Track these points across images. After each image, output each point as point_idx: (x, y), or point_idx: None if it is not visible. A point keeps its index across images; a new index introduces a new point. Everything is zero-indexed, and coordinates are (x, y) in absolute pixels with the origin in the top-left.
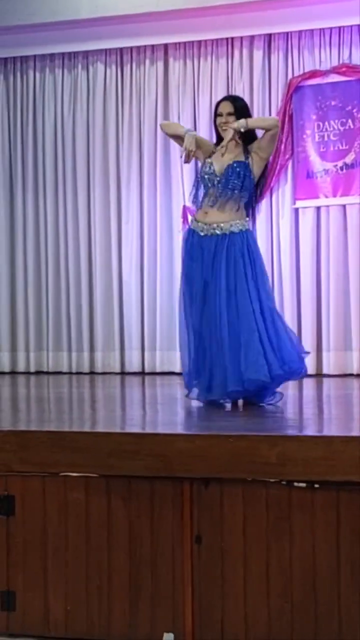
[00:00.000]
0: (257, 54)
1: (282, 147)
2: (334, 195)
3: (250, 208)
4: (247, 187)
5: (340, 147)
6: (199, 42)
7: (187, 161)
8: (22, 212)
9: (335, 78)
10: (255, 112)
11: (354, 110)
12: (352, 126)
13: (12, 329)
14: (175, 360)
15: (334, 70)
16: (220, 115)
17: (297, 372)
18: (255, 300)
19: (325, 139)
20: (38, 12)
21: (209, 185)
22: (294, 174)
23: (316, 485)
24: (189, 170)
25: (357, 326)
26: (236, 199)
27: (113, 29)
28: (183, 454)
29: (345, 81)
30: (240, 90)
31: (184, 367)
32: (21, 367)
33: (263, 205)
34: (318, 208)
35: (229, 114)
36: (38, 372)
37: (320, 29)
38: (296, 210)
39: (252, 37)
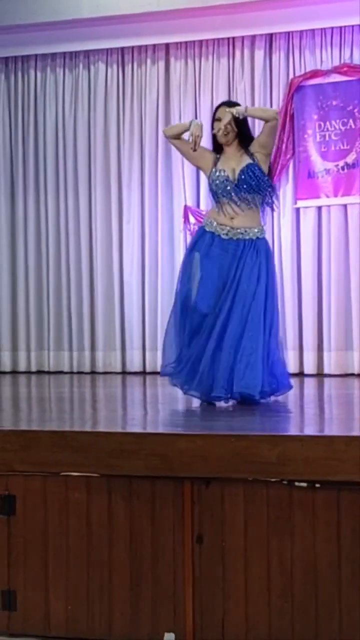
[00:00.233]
0: (259, 54)
1: (283, 146)
2: (335, 195)
3: (264, 210)
4: (263, 187)
5: (342, 147)
6: (200, 41)
7: (195, 149)
8: (23, 211)
9: (336, 78)
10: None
11: (355, 110)
12: (353, 126)
13: (13, 328)
14: None
15: (335, 70)
16: (219, 120)
17: (285, 388)
18: (269, 310)
19: (327, 138)
20: (39, 12)
21: (224, 192)
22: (295, 173)
23: (317, 485)
24: (190, 170)
25: (358, 326)
26: (255, 202)
27: (114, 28)
28: (184, 453)
29: (346, 81)
30: (242, 90)
31: (169, 353)
32: (22, 366)
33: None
34: (319, 208)
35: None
36: (39, 372)
37: (321, 29)
38: (297, 210)
39: (253, 37)
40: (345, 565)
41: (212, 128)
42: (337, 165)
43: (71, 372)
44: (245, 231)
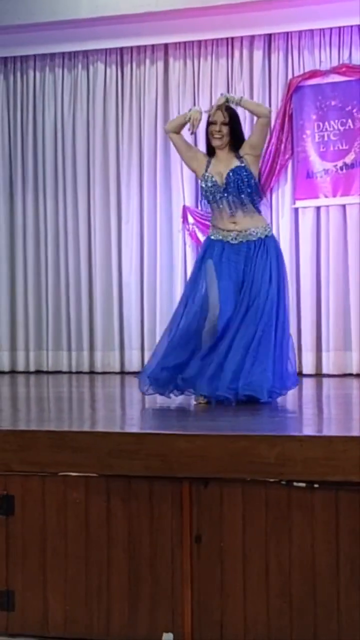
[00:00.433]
0: (257, 54)
1: (282, 147)
2: (334, 195)
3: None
4: (252, 188)
5: (340, 147)
6: (199, 42)
7: (193, 131)
8: (22, 211)
9: (335, 78)
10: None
11: (354, 111)
12: (352, 126)
13: (12, 328)
14: None
15: (334, 70)
16: (214, 123)
17: (291, 387)
18: (281, 309)
19: (325, 139)
20: (38, 12)
21: (214, 198)
22: (294, 173)
23: (315, 485)
24: (189, 170)
25: (357, 326)
26: (248, 202)
27: (113, 28)
28: (183, 453)
29: (345, 81)
30: (240, 90)
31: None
32: (21, 366)
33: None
34: (318, 208)
35: (223, 123)
36: (38, 372)
37: (320, 29)
38: (296, 210)
39: (252, 37)
40: (344, 566)
41: (207, 132)
42: (336, 165)
43: (70, 372)
44: (253, 232)
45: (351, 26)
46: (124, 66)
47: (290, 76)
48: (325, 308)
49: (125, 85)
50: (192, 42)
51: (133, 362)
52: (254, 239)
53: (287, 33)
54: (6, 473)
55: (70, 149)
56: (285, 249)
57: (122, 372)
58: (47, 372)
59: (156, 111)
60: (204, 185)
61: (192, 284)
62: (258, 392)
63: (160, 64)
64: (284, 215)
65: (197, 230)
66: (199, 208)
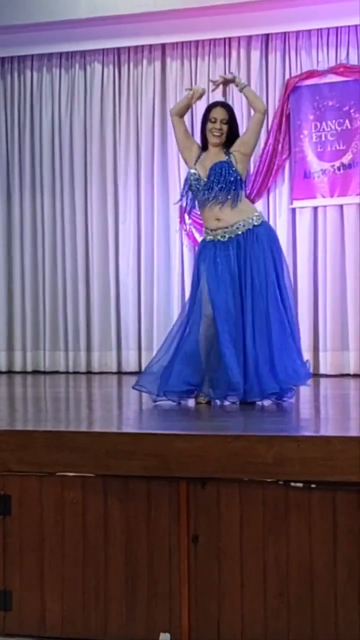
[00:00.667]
0: (255, 54)
1: (280, 147)
2: (331, 196)
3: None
4: (235, 183)
5: (338, 148)
6: (197, 42)
7: (193, 101)
8: (19, 211)
9: (332, 78)
10: (252, 112)
11: (352, 111)
12: (349, 126)
13: (9, 328)
14: None
15: (332, 70)
16: (214, 121)
17: (306, 377)
18: (285, 298)
19: (323, 139)
20: (36, 12)
21: (198, 191)
22: (291, 174)
23: (313, 486)
24: (186, 170)
25: (354, 326)
26: (233, 196)
27: (111, 28)
28: (180, 453)
29: (342, 81)
30: (237, 91)
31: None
32: (18, 366)
33: (260, 205)
34: (315, 208)
35: (223, 122)
36: (35, 372)
37: (317, 29)
38: (293, 211)
39: (249, 37)
40: (341, 566)
41: (203, 128)
42: (333, 165)
43: (67, 372)
44: (240, 225)
45: (348, 26)
46: (122, 66)
47: (287, 76)
48: (322, 308)
49: (122, 85)
50: (190, 42)
51: (130, 362)
52: (241, 232)
53: (285, 33)
54: (3, 473)
55: (68, 149)
56: (282, 249)
57: (119, 372)
58: (44, 372)
59: (153, 111)
60: (190, 179)
61: (193, 291)
62: (296, 379)
63: (158, 64)
64: (281, 215)
65: (194, 230)
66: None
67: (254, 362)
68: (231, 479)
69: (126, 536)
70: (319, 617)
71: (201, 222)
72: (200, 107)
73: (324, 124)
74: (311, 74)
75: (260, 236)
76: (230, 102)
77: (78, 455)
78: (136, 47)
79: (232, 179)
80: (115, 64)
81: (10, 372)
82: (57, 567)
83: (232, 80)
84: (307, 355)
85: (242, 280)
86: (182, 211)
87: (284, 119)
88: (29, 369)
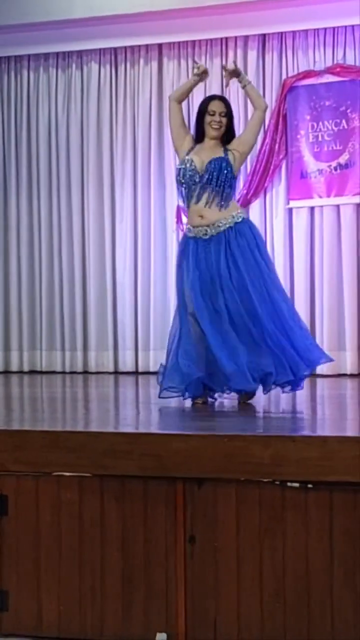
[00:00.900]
0: (252, 54)
1: (276, 147)
2: (328, 196)
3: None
4: (229, 182)
5: (334, 148)
6: (193, 42)
7: (199, 74)
8: (15, 211)
9: (329, 78)
10: (249, 112)
11: (348, 111)
12: (346, 126)
13: (6, 328)
14: None
15: (328, 70)
16: (213, 114)
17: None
18: (278, 284)
19: (319, 139)
20: (32, 12)
21: (191, 183)
22: (288, 174)
23: (309, 486)
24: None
25: (351, 326)
26: (223, 194)
27: (107, 28)
28: (177, 453)
29: (339, 81)
30: (234, 90)
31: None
32: (14, 366)
33: (257, 205)
34: (312, 208)
35: (222, 115)
36: (31, 372)
37: (314, 30)
38: (290, 211)
39: (246, 37)
40: (338, 566)
41: (198, 120)
42: (330, 165)
43: (64, 372)
44: (221, 222)
45: (345, 26)
46: (118, 66)
47: (284, 76)
48: (319, 308)
49: (119, 85)
50: (187, 42)
51: (127, 362)
52: (223, 229)
53: (281, 33)
54: (0, 473)
55: (64, 148)
56: (279, 249)
57: (116, 372)
58: (41, 372)
59: (150, 111)
60: (181, 168)
61: (178, 289)
62: (318, 359)
63: (155, 64)
64: (278, 215)
65: None
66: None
67: (281, 345)
68: (228, 479)
69: (123, 536)
70: (315, 616)
71: None
72: (197, 101)
73: (320, 124)
74: (308, 74)
75: (243, 231)
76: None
77: (75, 455)
78: (133, 47)
79: (228, 177)
80: (112, 63)
81: (6, 372)
82: (53, 567)
83: (237, 74)
84: None
85: (232, 274)
86: (179, 211)
87: (280, 119)
88: (26, 368)
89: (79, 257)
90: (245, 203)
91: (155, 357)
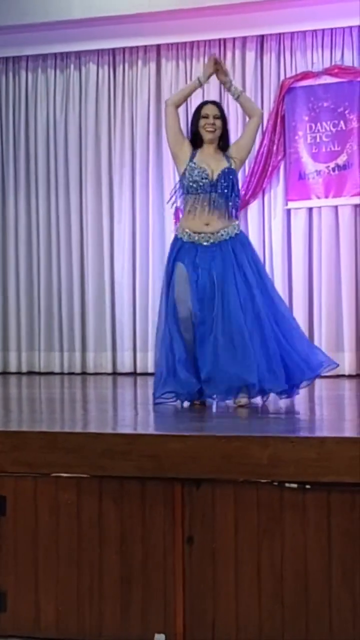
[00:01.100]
0: (250, 55)
1: (274, 148)
2: (326, 197)
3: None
4: (237, 193)
5: (333, 149)
6: (192, 42)
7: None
8: (14, 211)
9: (327, 79)
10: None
11: (346, 112)
12: (344, 127)
13: (4, 328)
14: None
15: (326, 71)
16: (206, 117)
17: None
18: (277, 297)
19: (318, 140)
20: (30, 12)
21: (200, 190)
22: (286, 175)
23: (307, 486)
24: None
25: (349, 327)
26: (229, 204)
27: (106, 29)
28: (175, 454)
29: (337, 82)
30: (233, 99)
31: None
32: (13, 367)
33: (255, 207)
34: (310, 209)
35: (216, 117)
36: (30, 373)
37: (312, 31)
38: (288, 211)
39: (244, 38)
40: (336, 567)
41: (193, 126)
42: (328, 166)
43: (62, 373)
44: (224, 232)
45: (343, 28)
46: (117, 67)
47: (282, 77)
48: (317, 309)
49: (117, 86)
50: (185, 43)
51: (125, 363)
52: (225, 238)
53: (280, 34)
54: None
55: (63, 149)
56: (277, 250)
57: (115, 373)
58: (39, 373)
59: (148, 112)
60: (191, 174)
61: (167, 292)
62: (318, 366)
63: (153, 65)
64: (276, 216)
65: None
66: (173, 200)
67: (283, 353)
68: (226, 480)
69: (121, 537)
70: (313, 617)
71: None
72: (195, 107)
73: (318, 125)
74: (306, 75)
75: (243, 242)
76: (224, 106)
77: (73, 456)
78: (131, 48)
79: (236, 189)
80: (110, 64)
81: (5, 373)
82: (51, 568)
83: (229, 85)
84: None
85: (238, 282)
86: (177, 212)
87: (278, 120)
88: (24, 369)
89: (77, 258)
90: (244, 204)
91: (154, 358)
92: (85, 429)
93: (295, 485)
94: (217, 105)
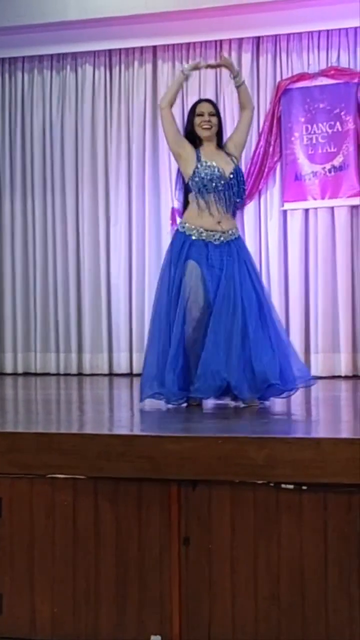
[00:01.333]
0: (246, 57)
1: (271, 149)
2: (322, 198)
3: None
4: (244, 194)
5: (329, 150)
6: (188, 44)
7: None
8: (10, 213)
9: (323, 81)
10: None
11: (342, 113)
12: (340, 129)
13: (0, 329)
14: None
15: (323, 73)
16: (202, 115)
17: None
18: (269, 301)
19: (314, 141)
20: (27, 14)
21: (215, 188)
22: (282, 176)
23: (304, 487)
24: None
25: (345, 328)
26: (237, 204)
27: (102, 30)
28: (171, 455)
29: (333, 84)
30: (229, 93)
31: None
32: (9, 368)
33: (251, 208)
34: (306, 210)
35: (211, 114)
36: (26, 374)
37: (308, 32)
38: (284, 213)
39: (240, 40)
40: (332, 568)
41: (188, 124)
42: (324, 167)
43: (58, 374)
44: (231, 232)
45: (339, 29)
46: (113, 68)
47: (278, 79)
48: (313, 310)
49: (113, 88)
50: (181, 44)
51: (121, 364)
52: (231, 239)
53: (276, 36)
54: None
55: (59, 150)
56: (273, 251)
57: (111, 374)
58: (35, 374)
59: (145, 113)
60: (203, 172)
61: (174, 288)
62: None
63: (149, 66)
64: (273, 217)
65: None
66: (175, 195)
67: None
68: (222, 481)
69: (117, 538)
70: (310, 618)
71: None
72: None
73: (315, 126)
74: (302, 76)
75: (243, 245)
76: (221, 104)
77: (69, 457)
78: (127, 49)
79: (243, 188)
80: (107, 66)
81: (1, 374)
82: (47, 570)
83: (228, 66)
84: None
85: (243, 282)
86: (173, 213)
87: (275, 121)
88: (20, 370)
89: (74, 259)
90: (240, 205)
91: (145, 354)
92: (81, 430)
93: (291, 486)
94: (212, 102)
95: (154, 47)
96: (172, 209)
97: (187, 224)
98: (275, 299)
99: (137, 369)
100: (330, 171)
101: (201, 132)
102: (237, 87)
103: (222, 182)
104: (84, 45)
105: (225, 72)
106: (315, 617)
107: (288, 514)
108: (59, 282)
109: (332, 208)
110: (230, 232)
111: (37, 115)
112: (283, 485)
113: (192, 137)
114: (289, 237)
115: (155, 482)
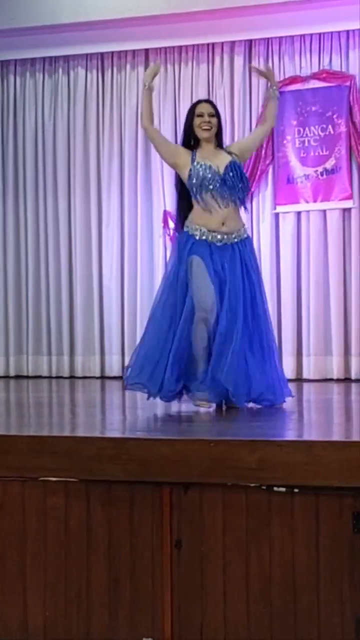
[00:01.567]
0: (238, 60)
1: (263, 152)
2: (314, 201)
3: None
4: (246, 187)
5: (321, 153)
6: (180, 47)
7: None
8: (2, 216)
9: (315, 84)
10: (236, 117)
11: (334, 116)
12: (332, 132)
13: None
14: None
15: (315, 76)
16: (201, 115)
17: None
18: (267, 308)
19: (306, 144)
20: (19, 17)
21: (210, 186)
22: (275, 179)
23: (296, 490)
24: (169, 175)
25: (337, 331)
26: (238, 200)
27: (94, 33)
28: (163, 458)
29: (325, 87)
30: (221, 96)
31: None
32: (1, 370)
33: (243, 210)
34: (298, 213)
35: (211, 115)
36: (18, 376)
37: (300, 35)
38: (276, 215)
39: (232, 43)
40: (324, 570)
41: (187, 126)
42: (316, 170)
43: (50, 377)
44: (237, 234)
45: (331, 32)
46: (105, 71)
47: None
48: (305, 313)
49: (105, 91)
50: (173, 47)
51: (113, 367)
52: (236, 241)
53: (268, 39)
54: None
55: (51, 153)
56: (265, 254)
57: (103, 377)
58: (27, 377)
59: (137, 116)
60: (198, 172)
61: (179, 286)
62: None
63: (141, 69)
64: (265, 220)
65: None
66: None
67: (263, 365)
68: (214, 484)
69: (109, 541)
70: (301, 621)
71: None
72: (184, 111)
73: (307, 129)
74: (294, 79)
75: (251, 248)
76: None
77: (61, 460)
78: (119, 52)
79: (246, 181)
80: (99, 69)
81: None
82: (39, 573)
83: (270, 77)
84: (290, 359)
85: (245, 286)
86: (165, 215)
87: None
88: (12, 373)
89: (66, 261)
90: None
91: (139, 341)
92: (73, 433)
93: (283, 489)
94: (211, 103)
95: (146, 50)
96: (164, 211)
97: (191, 224)
98: (268, 302)
99: None
100: (322, 174)
101: (201, 133)
102: (269, 99)
103: (217, 178)
104: (76, 48)
105: (217, 75)
106: (306, 619)
107: (280, 516)
108: (51, 284)
109: (324, 211)
110: (235, 233)
111: (30, 118)
112: (275, 488)
113: (188, 139)
114: (281, 240)
115: (147, 485)
